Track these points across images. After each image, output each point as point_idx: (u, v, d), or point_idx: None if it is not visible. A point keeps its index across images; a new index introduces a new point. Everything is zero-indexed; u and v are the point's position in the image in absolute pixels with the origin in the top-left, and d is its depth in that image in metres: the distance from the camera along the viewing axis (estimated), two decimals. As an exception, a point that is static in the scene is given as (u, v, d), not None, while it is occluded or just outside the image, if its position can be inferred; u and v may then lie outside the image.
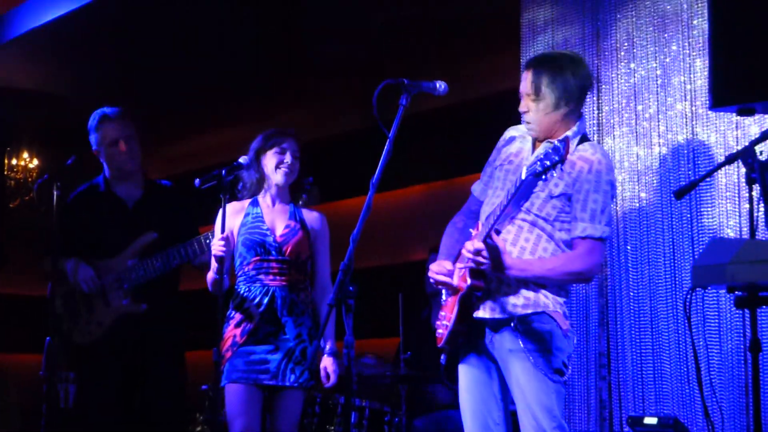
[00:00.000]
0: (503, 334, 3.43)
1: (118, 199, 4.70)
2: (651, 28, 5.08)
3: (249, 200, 4.26)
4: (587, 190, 3.41)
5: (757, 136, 3.58)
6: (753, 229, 3.51)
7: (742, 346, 4.49)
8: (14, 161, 8.74)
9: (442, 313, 3.59)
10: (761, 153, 3.52)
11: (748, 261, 3.00)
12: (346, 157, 7.97)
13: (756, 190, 3.35)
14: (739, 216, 4.58)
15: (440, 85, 3.40)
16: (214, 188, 3.98)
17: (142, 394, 4.58)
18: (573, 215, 3.42)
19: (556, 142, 3.12)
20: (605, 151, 3.81)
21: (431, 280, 3.56)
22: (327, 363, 4.14)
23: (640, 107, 5.10)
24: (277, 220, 4.21)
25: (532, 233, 3.45)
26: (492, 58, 6.71)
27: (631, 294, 5.03)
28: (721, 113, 4.62)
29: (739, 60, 4.05)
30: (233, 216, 4.20)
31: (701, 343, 4.60)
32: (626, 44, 5.17)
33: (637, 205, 5.07)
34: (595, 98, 5.27)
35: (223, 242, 3.97)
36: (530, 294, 3.42)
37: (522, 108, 3.52)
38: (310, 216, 4.28)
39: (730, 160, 3.52)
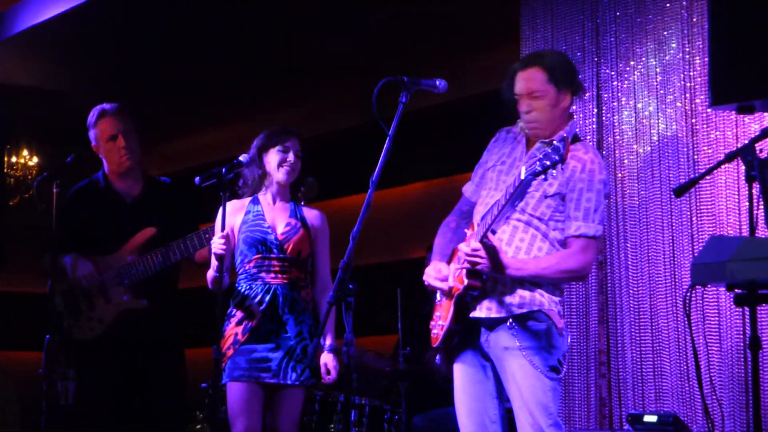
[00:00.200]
0: (499, 332, 3.44)
1: (117, 195, 4.70)
2: (650, 26, 5.08)
3: (249, 198, 4.25)
4: (581, 189, 3.43)
5: (756, 133, 3.57)
6: (753, 227, 3.51)
7: (741, 344, 4.50)
8: (14, 159, 8.74)
9: (437, 314, 3.60)
10: (761, 151, 3.52)
11: (747, 259, 3.00)
12: (346, 155, 7.98)
13: (755, 187, 3.35)
14: (739, 214, 4.58)
15: (440, 83, 3.40)
16: (214, 186, 3.98)
17: (142, 391, 4.58)
18: (567, 214, 3.44)
19: (555, 142, 3.12)
20: (597, 150, 3.83)
21: (426, 284, 3.57)
22: (327, 359, 4.14)
23: (639, 105, 5.10)
24: (278, 218, 4.21)
25: (527, 233, 3.46)
26: (491, 56, 6.71)
27: (631, 292, 5.03)
28: (721, 111, 4.62)
29: (739, 58, 4.05)
30: (234, 214, 4.20)
31: (701, 340, 4.60)
32: (626, 42, 5.17)
33: (637, 202, 5.07)
34: (594, 96, 5.27)
35: (223, 240, 3.97)
36: (526, 293, 3.43)
37: (524, 108, 3.51)
38: (311, 214, 4.28)
39: (729, 157, 3.52)
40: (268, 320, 4.09)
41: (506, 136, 3.67)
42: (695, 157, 4.85)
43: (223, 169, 3.97)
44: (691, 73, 4.89)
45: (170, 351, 4.70)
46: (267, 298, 4.10)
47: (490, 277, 3.42)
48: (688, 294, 3.31)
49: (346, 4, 6.30)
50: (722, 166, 4.09)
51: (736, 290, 3.10)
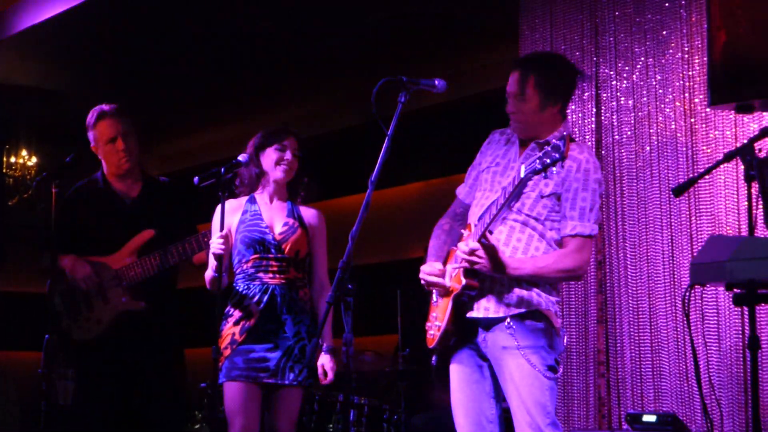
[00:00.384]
0: (497, 332, 3.44)
1: (116, 195, 4.69)
2: (649, 26, 5.08)
3: (246, 197, 4.25)
4: (576, 189, 3.44)
5: (755, 133, 3.57)
6: (752, 227, 3.51)
7: (740, 344, 4.50)
8: (13, 159, 8.74)
9: (433, 314, 3.60)
10: (760, 150, 3.52)
11: (746, 258, 3.00)
12: (345, 155, 7.98)
13: (755, 187, 3.35)
14: (738, 213, 4.59)
15: (439, 83, 3.40)
16: (212, 186, 3.98)
17: (141, 391, 4.57)
18: (562, 214, 3.45)
19: (555, 141, 3.13)
20: (591, 150, 3.84)
21: (422, 282, 3.57)
22: (324, 360, 4.14)
23: (638, 104, 5.10)
24: (275, 218, 4.21)
25: (523, 233, 3.47)
26: (491, 55, 6.72)
27: (630, 291, 5.04)
28: (720, 110, 4.63)
29: (738, 58, 4.05)
30: (231, 213, 4.19)
31: (700, 340, 4.60)
32: (625, 41, 5.17)
33: (636, 202, 5.07)
34: (593, 95, 5.27)
35: (222, 240, 3.97)
36: (523, 293, 3.43)
37: (509, 108, 3.54)
38: (308, 213, 4.28)
39: (728, 157, 3.51)
40: (266, 320, 4.09)
41: (499, 137, 3.68)
42: (694, 156, 4.85)
43: (222, 169, 3.97)
44: (690, 73, 4.89)
45: (169, 351, 4.70)
46: (265, 298, 4.10)
47: (488, 277, 3.42)
48: (687, 294, 3.31)
49: (345, 4, 6.30)
50: (721, 166, 4.09)
51: (735, 290, 3.10)
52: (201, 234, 4.41)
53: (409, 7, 6.31)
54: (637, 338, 4.99)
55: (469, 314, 3.47)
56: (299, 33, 6.76)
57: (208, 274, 4.14)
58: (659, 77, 5.03)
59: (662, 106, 5.01)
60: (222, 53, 7.19)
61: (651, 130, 5.04)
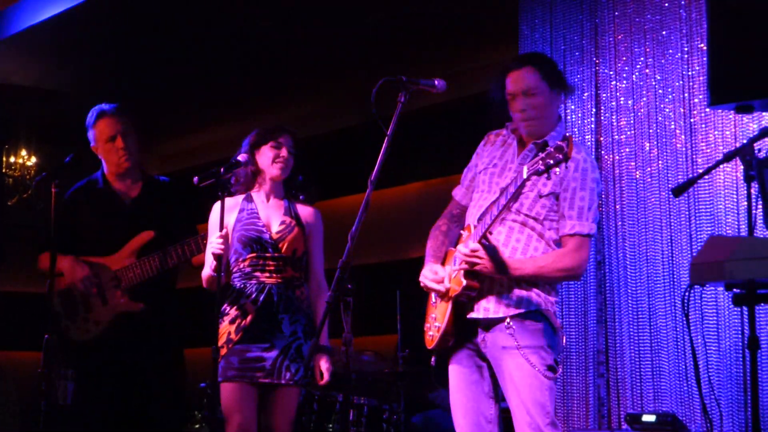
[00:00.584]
0: (496, 332, 3.44)
1: (116, 195, 4.69)
2: (649, 26, 5.09)
3: (242, 195, 4.24)
4: (574, 188, 3.44)
5: (755, 133, 3.57)
6: (751, 227, 3.51)
7: (740, 344, 4.50)
8: (12, 159, 8.73)
9: (432, 315, 3.60)
10: (759, 150, 3.52)
11: (746, 258, 3.00)
12: (345, 155, 7.98)
13: (754, 187, 3.35)
14: (738, 213, 4.59)
15: (438, 83, 3.41)
16: (212, 186, 3.98)
17: (141, 392, 4.57)
18: (561, 213, 3.45)
19: (558, 142, 3.13)
20: (588, 149, 3.85)
21: (422, 285, 3.57)
22: (321, 361, 4.13)
23: (638, 104, 5.10)
24: (272, 216, 4.20)
25: (522, 233, 3.47)
26: (490, 55, 6.72)
27: (630, 291, 5.04)
28: (720, 111, 4.63)
29: (738, 58, 4.05)
30: (228, 212, 4.17)
31: (699, 340, 4.61)
32: (625, 42, 5.18)
33: (636, 202, 5.08)
34: (593, 96, 5.28)
35: (221, 240, 3.96)
36: (522, 293, 3.44)
37: (520, 106, 3.51)
38: (305, 211, 4.27)
39: (728, 157, 3.51)
40: (263, 319, 4.08)
41: (495, 139, 3.69)
42: (694, 156, 4.85)
43: (222, 169, 3.97)
44: (690, 73, 4.90)
45: (168, 352, 4.69)
46: (261, 297, 4.09)
47: (487, 278, 3.42)
48: (687, 294, 3.31)
49: (345, 4, 6.30)
50: (721, 166, 4.09)
51: (735, 290, 3.10)
52: (200, 236, 4.40)
53: (409, 7, 6.31)
54: (636, 338, 4.99)
55: (469, 315, 3.47)
56: (299, 33, 6.76)
57: (206, 272, 4.13)
58: (659, 77, 5.03)
59: (662, 106, 5.01)
60: (222, 53, 7.18)
61: (650, 131, 5.05)
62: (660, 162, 4.99)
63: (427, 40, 6.83)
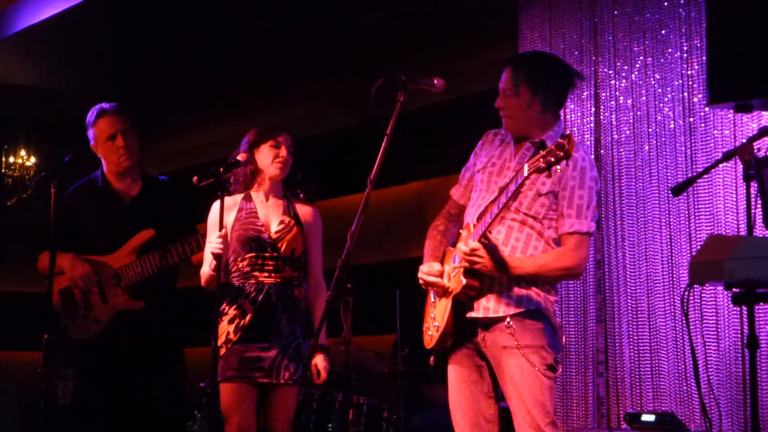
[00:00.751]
0: (496, 332, 3.44)
1: (116, 194, 4.69)
2: (648, 25, 5.09)
3: (241, 195, 4.24)
4: (572, 187, 3.44)
5: (754, 132, 3.58)
6: (750, 226, 3.52)
7: (739, 343, 4.50)
8: (11, 159, 8.74)
9: (431, 315, 3.59)
10: (758, 150, 3.52)
11: (745, 258, 3.00)
12: (344, 154, 7.98)
13: (753, 186, 3.35)
14: (737, 213, 4.59)
15: (438, 82, 3.41)
16: (211, 185, 3.97)
17: (141, 391, 4.57)
18: (560, 212, 3.45)
19: (558, 140, 3.13)
20: (586, 148, 3.85)
21: (421, 282, 3.57)
22: (317, 360, 4.12)
23: (637, 103, 5.11)
24: (271, 216, 4.20)
25: (522, 232, 3.46)
26: (489, 54, 6.71)
27: (629, 291, 5.04)
28: (719, 110, 4.63)
29: (737, 57, 4.05)
30: (226, 211, 4.16)
31: (699, 339, 4.61)
32: (624, 41, 5.18)
33: (635, 201, 5.08)
34: (592, 95, 5.28)
35: (221, 240, 3.96)
36: (522, 292, 3.43)
37: (498, 103, 3.54)
38: (304, 211, 4.27)
39: (727, 156, 3.52)
40: (261, 319, 4.08)
41: (494, 138, 3.68)
42: (693, 156, 4.86)
43: (221, 169, 3.96)
44: (689, 72, 4.90)
45: (168, 351, 4.69)
46: (260, 297, 4.09)
47: (487, 277, 3.42)
48: (686, 293, 3.32)
49: (344, 3, 6.30)
50: (720, 165, 4.09)
51: (734, 289, 3.10)
52: (200, 234, 4.40)
53: (408, 6, 6.31)
54: (636, 338, 4.99)
55: (469, 314, 3.47)
56: (298, 32, 6.76)
57: (205, 271, 4.13)
58: (658, 76, 5.03)
59: (661, 105, 5.01)
60: (220, 53, 7.18)
61: (650, 130, 5.05)
62: (659, 161, 4.99)
63: (427, 40, 6.83)
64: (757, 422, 3.10)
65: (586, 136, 5.23)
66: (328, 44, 6.91)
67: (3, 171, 8.71)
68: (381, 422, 5.50)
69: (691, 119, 4.88)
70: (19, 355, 7.99)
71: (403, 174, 7.65)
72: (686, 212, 4.84)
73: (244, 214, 4.17)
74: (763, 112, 4.47)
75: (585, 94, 5.28)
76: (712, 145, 4.77)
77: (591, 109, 5.26)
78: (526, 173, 3.20)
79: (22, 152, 8.75)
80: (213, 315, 3.96)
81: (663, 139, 4.99)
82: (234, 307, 4.10)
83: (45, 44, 7.17)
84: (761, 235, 3.97)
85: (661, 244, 4.93)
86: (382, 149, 3.21)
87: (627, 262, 5.06)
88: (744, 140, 3.52)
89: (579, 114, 5.28)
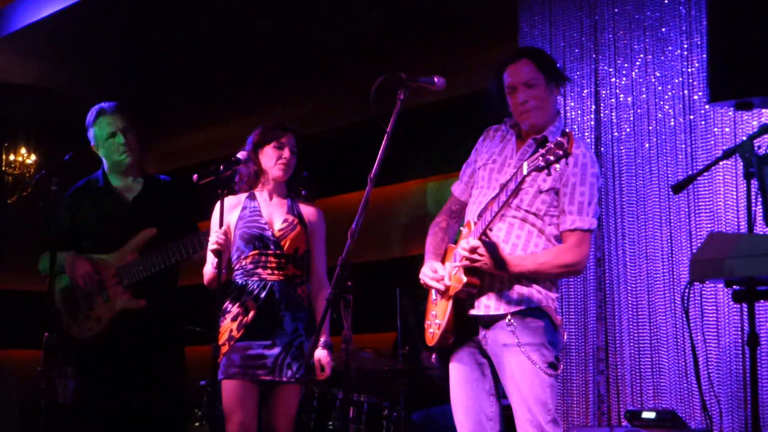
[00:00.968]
0: (497, 330, 3.44)
1: (117, 193, 4.69)
2: (649, 23, 5.09)
3: (246, 194, 4.25)
4: (573, 183, 3.43)
5: (755, 130, 3.57)
6: (751, 224, 3.51)
7: (739, 341, 4.50)
8: (12, 157, 8.73)
9: (433, 313, 3.59)
10: (759, 147, 3.52)
11: (746, 255, 3.00)
12: (344, 152, 7.98)
13: (754, 184, 3.35)
14: (737, 210, 4.59)
15: (438, 80, 3.40)
16: (211, 184, 3.98)
17: (141, 389, 4.57)
18: (561, 208, 3.45)
19: (558, 138, 3.13)
20: (588, 144, 3.84)
21: (422, 283, 3.56)
22: (321, 355, 4.13)
23: (637, 101, 5.10)
24: (274, 214, 4.21)
25: (523, 229, 3.46)
26: (489, 52, 6.70)
27: (629, 288, 5.04)
28: (719, 107, 4.63)
29: (737, 54, 4.05)
30: (230, 210, 4.19)
31: (699, 337, 4.61)
32: (624, 39, 5.17)
33: (635, 199, 5.08)
34: (593, 93, 5.27)
35: (222, 236, 3.96)
36: (523, 289, 3.43)
37: (521, 97, 3.50)
38: (308, 210, 4.28)
39: (727, 154, 3.51)
40: (264, 317, 4.09)
41: (494, 134, 3.68)
42: (693, 153, 4.86)
43: (221, 167, 3.97)
44: (690, 70, 4.90)
45: (169, 349, 4.69)
46: (263, 295, 4.10)
47: (488, 275, 3.42)
48: (687, 291, 3.31)
49: (344, 2, 6.30)
50: (720, 163, 4.08)
51: (735, 287, 3.10)
52: (202, 233, 4.40)
53: (409, 4, 6.31)
54: (636, 335, 4.99)
55: (470, 312, 3.47)
56: (298, 31, 6.76)
57: (208, 269, 4.14)
58: (658, 74, 5.03)
59: (661, 103, 5.01)
60: (221, 51, 7.18)
61: (650, 127, 5.05)
62: (659, 159, 4.99)
63: (427, 38, 6.83)
64: (757, 419, 3.10)
65: (587, 134, 5.23)
66: (328, 43, 6.91)
67: (3, 169, 8.71)
68: (381, 420, 5.50)
69: (692, 117, 4.87)
70: (19, 353, 8.00)
71: (403, 172, 7.65)
72: (686, 210, 4.84)
73: (248, 213, 4.18)
74: (764, 110, 4.47)
75: (585, 91, 5.28)
76: (712, 142, 4.77)
77: (591, 107, 5.26)
78: (525, 172, 3.19)
79: (23, 150, 8.74)
80: (214, 313, 3.97)
81: (663, 136, 4.99)
82: (237, 304, 4.11)
83: (45, 42, 7.17)
84: (761, 233, 3.97)
85: (661, 242, 4.93)
86: (382, 147, 3.21)
87: (627, 259, 5.06)
88: (744, 138, 3.51)
89: (579, 112, 5.28)
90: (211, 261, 4.09)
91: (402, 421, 5.44)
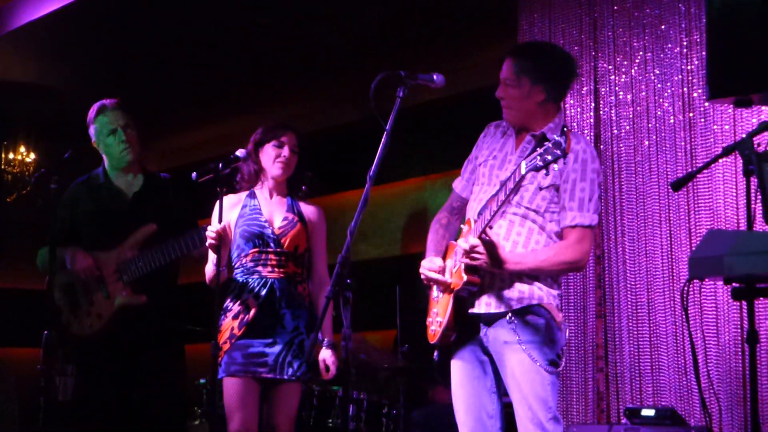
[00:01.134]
0: (498, 327, 3.43)
1: (117, 190, 4.69)
2: (648, 20, 5.09)
3: (246, 192, 4.26)
4: (574, 180, 3.43)
5: (754, 127, 3.57)
6: (750, 221, 3.51)
7: (739, 338, 4.50)
8: (11, 155, 8.73)
9: (434, 310, 3.59)
10: (758, 145, 3.52)
11: (745, 252, 2.99)
12: (344, 150, 7.98)
13: (753, 181, 3.35)
14: (737, 208, 4.59)
15: (437, 77, 3.40)
16: (210, 181, 3.98)
17: (141, 387, 4.57)
18: (562, 205, 3.44)
19: (556, 137, 3.12)
20: (588, 140, 3.84)
21: (423, 278, 3.56)
22: (326, 355, 4.14)
23: (637, 99, 5.10)
24: (275, 212, 4.21)
25: (523, 226, 3.46)
26: (489, 50, 6.71)
27: (629, 286, 5.04)
28: (719, 104, 4.63)
29: (737, 51, 4.05)
30: (230, 208, 4.20)
31: (698, 334, 4.61)
32: (623, 36, 5.17)
33: (635, 196, 5.08)
34: (592, 90, 5.28)
35: (214, 233, 3.96)
36: (524, 287, 3.43)
37: (498, 93, 3.53)
38: (308, 208, 4.28)
39: (727, 151, 3.51)
40: (265, 315, 4.09)
41: (495, 130, 3.68)
42: (693, 151, 4.86)
43: (220, 165, 3.97)
44: (689, 67, 4.90)
45: (169, 347, 4.69)
46: (264, 293, 4.10)
47: (489, 272, 3.41)
48: (686, 288, 3.31)
49: (343, 0, 6.30)
50: (720, 160, 4.09)
51: (734, 284, 3.10)
52: (202, 229, 4.40)
53: (408, 2, 6.30)
54: (635, 333, 4.99)
55: (471, 310, 3.46)
56: (297, 29, 6.75)
57: (209, 268, 4.15)
58: (658, 72, 5.03)
59: (661, 100, 5.01)
60: (220, 50, 7.18)
61: (649, 125, 5.05)
62: (659, 156, 4.99)
63: (426, 36, 6.82)
64: (757, 417, 3.10)
65: (586, 131, 5.23)
66: (327, 41, 6.91)
67: (3, 167, 8.71)
68: (381, 418, 5.50)
69: (691, 114, 4.88)
70: (19, 351, 8.00)
71: (402, 170, 7.65)
72: (686, 207, 4.84)
73: (248, 211, 4.19)
74: (763, 107, 4.47)
75: (585, 89, 5.28)
76: (711, 140, 4.77)
77: (591, 105, 5.26)
78: (522, 172, 3.19)
79: (22, 148, 8.74)
80: (214, 312, 3.97)
81: (663, 134, 4.99)
82: (238, 303, 4.11)
83: (44, 41, 7.16)
84: (761, 230, 3.97)
85: (660, 239, 4.93)
86: (381, 145, 3.21)
87: (627, 257, 5.06)
88: (744, 135, 3.51)
89: (579, 109, 5.28)
90: (212, 260, 4.09)
91: (401, 419, 5.45)
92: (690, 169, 4.75)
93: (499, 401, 3.52)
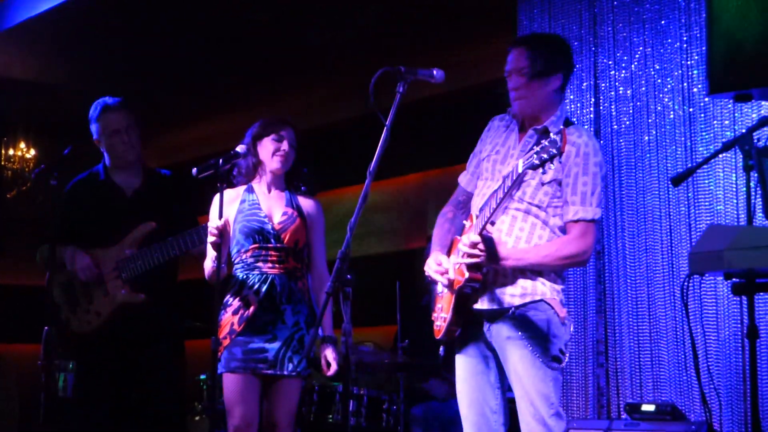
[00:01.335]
0: (501, 323, 3.43)
1: (117, 187, 4.69)
2: (648, 15, 5.08)
3: (244, 187, 4.25)
4: (576, 174, 3.42)
5: (754, 122, 3.57)
6: (750, 216, 3.51)
7: (739, 333, 4.50)
8: (11, 152, 8.74)
9: (439, 306, 3.59)
10: (758, 140, 3.52)
11: (745, 247, 2.99)
12: (344, 146, 7.98)
13: (753, 176, 3.35)
14: (737, 202, 4.59)
15: (437, 73, 3.39)
16: (210, 177, 3.97)
17: (141, 383, 4.57)
18: (564, 199, 3.43)
19: (551, 134, 3.12)
20: (590, 133, 3.83)
21: (426, 275, 3.56)
22: (326, 351, 4.14)
23: (637, 94, 5.10)
24: (274, 207, 4.21)
25: (526, 222, 3.45)
26: (489, 45, 6.70)
27: (629, 281, 5.04)
28: (719, 100, 4.62)
29: (736, 47, 4.04)
30: (229, 203, 4.19)
31: (699, 330, 4.61)
32: (623, 31, 5.17)
33: (635, 192, 5.07)
34: (592, 86, 5.27)
35: (215, 229, 3.96)
36: (527, 283, 3.42)
37: (513, 84, 3.51)
38: (306, 203, 4.28)
39: (727, 146, 3.51)
40: (265, 310, 4.09)
41: (499, 124, 3.67)
42: (693, 146, 4.85)
43: (220, 161, 3.96)
44: (689, 62, 4.89)
45: (169, 343, 4.69)
46: (264, 288, 4.10)
47: (491, 269, 3.41)
48: (686, 283, 3.31)
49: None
50: (720, 155, 4.08)
51: (734, 279, 3.10)
52: (202, 227, 4.40)
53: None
54: (635, 328, 4.99)
55: (474, 306, 3.46)
56: (297, 25, 6.75)
57: (207, 264, 4.14)
58: (658, 67, 5.03)
59: (661, 95, 5.00)
60: (220, 45, 7.18)
61: (649, 120, 5.04)
62: (659, 151, 4.99)
63: (426, 31, 6.82)
64: (757, 412, 3.10)
65: (586, 127, 5.22)
66: (326, 36, 6.90)
67: (2, 163, 8.71)
68: (381, 413, 5.50)
69: (691, 109, 4.87)
70: (19, 348, 8.01)
71: (402, 166, 7.65)
72: (686, 202, 4.83)
73: (247, 206, 4.18)
74: (763, 102, 4.46)
75: (584, 84, 5.28)
76: (711, 135, 4.77)
77: (591, 100, 5.25)
78: (520, 170, 3.18)
79: (22, 145, 8.75)
80: (214, 308, 3.97)
81: (663, 129, 4.99)
82: (238, 298, 4.11)
83: (43, 37, 7.16)
84: (761, 225, 3.97)
85: (660, 235, 4.93)
86: (381, 141, 3.21)
87: (627, 252, 5.06)
88: (744, 130, 3.51)
89: (578, 104, 5.28)
90: (211, 256, 4.09)
91: (402, 414, 5.45)
92: (690, 164, 4.75)
93: (502, 396, 3.52)
